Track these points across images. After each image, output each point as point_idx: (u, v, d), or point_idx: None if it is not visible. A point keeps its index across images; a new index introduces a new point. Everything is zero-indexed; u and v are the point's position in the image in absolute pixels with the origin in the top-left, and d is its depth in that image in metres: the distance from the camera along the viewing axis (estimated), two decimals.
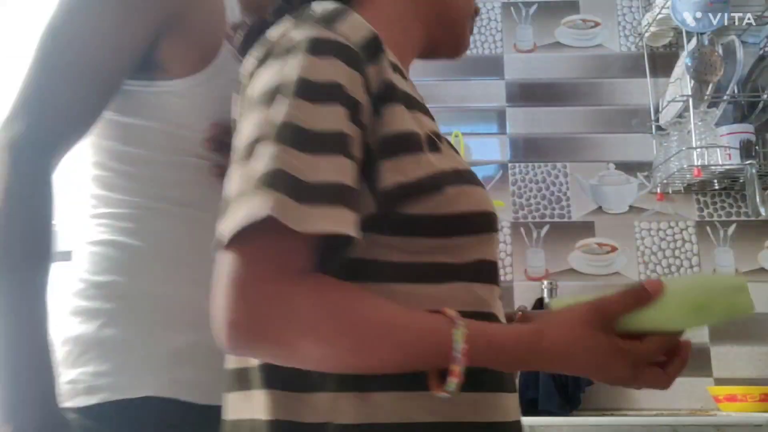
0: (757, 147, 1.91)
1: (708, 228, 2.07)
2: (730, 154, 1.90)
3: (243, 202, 0.54)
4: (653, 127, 2.13)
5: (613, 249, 2.06)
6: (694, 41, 1.97)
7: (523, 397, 1.58)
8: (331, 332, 0.55)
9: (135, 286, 0.83)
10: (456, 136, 2.11)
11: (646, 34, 2.16)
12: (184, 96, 0.83)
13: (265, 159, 0.55)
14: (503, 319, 0.69)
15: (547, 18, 2.24)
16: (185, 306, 0.82)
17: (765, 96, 1.95)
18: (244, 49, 0.72)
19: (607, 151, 2.14)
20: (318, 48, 0.60)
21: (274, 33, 0.64)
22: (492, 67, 2.21)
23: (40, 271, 0.79)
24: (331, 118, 0.58)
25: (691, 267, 2.05)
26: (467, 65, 2.19)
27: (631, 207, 2.10)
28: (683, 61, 1.98)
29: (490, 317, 0.65)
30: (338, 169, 0.56)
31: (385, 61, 0.63)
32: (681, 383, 1.98)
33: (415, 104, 0.66)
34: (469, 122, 2.18)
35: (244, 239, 0.53)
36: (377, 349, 0.56)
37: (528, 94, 2.17)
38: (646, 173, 2.12)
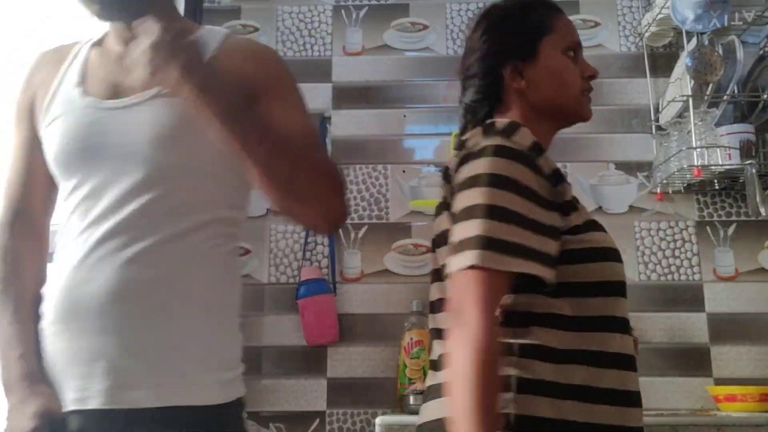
0: (757, 147, 1.91)
1: (708, 228, 2.07)
2: (730, 154, 1.90)
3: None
4: (653, 127, 2.13)
5: None
6: (694, 41, 1.97)
7: None
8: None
9: None
10: (456, 136, 2.11)
11: (646, 34, 2.16)
12: None
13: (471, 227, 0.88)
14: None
15: None
16: None
17: (765, 96, 1.95)
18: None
19: (607, 151, 2.14)
20: (500, 152, 0.92)
21: (470, 142, 0.97)
22: None
23: None
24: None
25: (691, 267, 2.05)
26: None
27: (631, 207, 2.10)
28: (683, 61, 1.97)
29: None
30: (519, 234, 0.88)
31: (550, 160, 0.96)
32: (681, 383, 1.98)
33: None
34: None
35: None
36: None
37: None
38: (646, 173, 2.12)
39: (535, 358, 0.88)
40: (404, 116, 2.18)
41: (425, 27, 2.26)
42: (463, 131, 1.10)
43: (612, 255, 0.97)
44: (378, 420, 1.59)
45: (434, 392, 0.95)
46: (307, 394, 2.01)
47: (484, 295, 0.83)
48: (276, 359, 2.03)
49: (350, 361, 2.01)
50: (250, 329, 2.05)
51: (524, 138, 0.94)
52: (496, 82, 1.07)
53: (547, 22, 1.09)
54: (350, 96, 2.21)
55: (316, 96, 2.20)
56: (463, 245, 0.87)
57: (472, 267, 0.84)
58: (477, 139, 0.96)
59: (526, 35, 1.08)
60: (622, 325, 0.96)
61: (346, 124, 2.18)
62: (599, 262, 0.95)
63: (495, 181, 0.89)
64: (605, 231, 1.02)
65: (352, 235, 2.11)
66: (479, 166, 0.91)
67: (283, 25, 2.29)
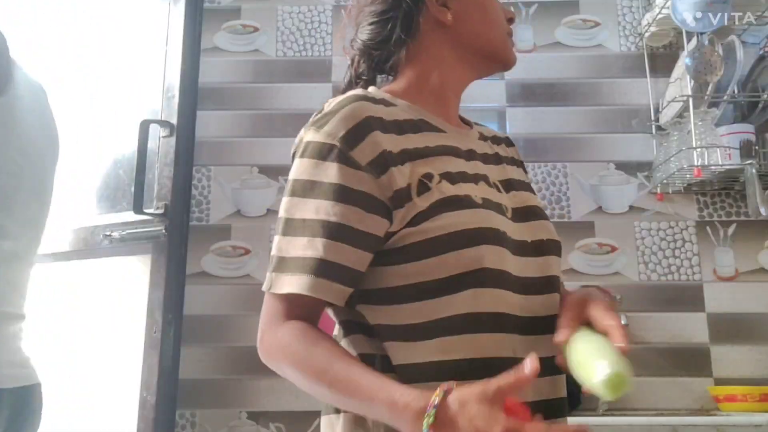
0: (757, 147, 1.91)
1: (708, 228, 2.07)
2: (730, 154, 1.90)
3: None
4: (653, 127, 2.13)
5: (613, 249, 2.07)
6: (694, 41, 1.97)
7: None
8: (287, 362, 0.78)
9: None
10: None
11: (646, 34, 2.16)
12: None
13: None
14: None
15: (547, 18, 2.24)
16: None
17: (765, 96, 1.95)
18: None
19: (607, 151, 2.14)
20: (306, 152, 0.82)
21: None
22: None
23: None
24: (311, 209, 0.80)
25: (691, 267, 2.05)
26: None
27: (631, 207, 2.10)
28: (683, 61, 1.97)
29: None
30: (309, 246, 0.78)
31: (376, 137, 0.80)
32: (681, 383, 1.98)
33: (420, 153, 0.82)
34: None
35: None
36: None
37: (528, 94, 2.18)
38: (646, 173, 2.12)
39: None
40: None
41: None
42: (347, 87, 0.95)
43: (467, 238, 0.78)
44: None
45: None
46: (306, 394, 2.00)
47: (266, 319, 0.80)
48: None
49: None
50: (250, 329, 2.05)
51: (338, 125, 0.79)
52: (410, 14, 0.90)
53: None
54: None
55: (316, 96, 2.20)
56: (269, 265, 0.82)
57: (267, 290, 0.80)
58: (302, 130, 0.85)
59: None
60: (493, 322, 0.78)
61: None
62: (448, 252, 0.77)
63: (294, 188, 0.81)
64: (483, 204, 0.81)
65: None
66: (291, 170, 0.84)
67: (283, 25, 2.29)
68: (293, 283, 0.77)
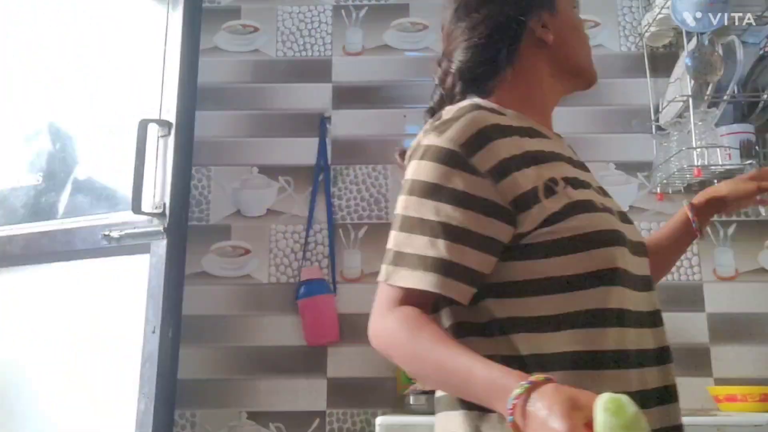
0: (757, 147, 1.91)
1: (708, 228, 2.07)
2: (730, 154, 1.90)
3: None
4: (653, 127, 2.13)
5: None
6: (694, 41, 1.97)
7: None
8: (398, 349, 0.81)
9: None
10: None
11: (646, 34, 2.16)
12: None
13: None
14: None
15: None
16: None
17: (765, 96, 1.95)
18: None
19: (607, 151, 2.14)
20: (426, 155, 0.85)
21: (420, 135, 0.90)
22: None
23: None
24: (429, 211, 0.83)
25: (691, 267, 2.05)
26: None
27: (631, 207, 2.10)
28: (683, 61, 1.97)
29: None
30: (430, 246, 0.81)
31: (496, 144, 0.84)
32: (681, 383, 1.97)
33: (542, 158, 0.87)
34: None
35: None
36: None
37: None
38: (646, 173, 2.12)
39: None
40: (404, 116, 2.18)
41: (425, 27, 2.26)
42: (438, 106, 1.00)
43: (601, 239, 0.83)
44: (378, 420, 1.59)
45: (440, 404, 0.90)
46: (307, 394, 2.01)
47: (378, 308, 0.84)
48: (276, 359, 2.03)
49: (350, 361, 2.01)
50: (249, 329, 2.05)
51: (459, 132, 0.84)
52: (515, 35, 0.96)
53: None
54: (350, 96, 2.21)
55: (316, 96, 2.20)
56: (384, 257, 0.86)
57: (384, 281, 0.84)
58: (419, 135, 0.90)
59: None
60: (619, 318, 0.83)
61: (346, 124, 2.18)
62: (581, 252, 0.82)
63: (413, 188, 0.84)
64: (603, 209, 0.87)
65: (352, 235, 2.11)
66: (408, 170, 0.87)
67: (283, 25, 2.29)
68: (417, 279, 0.80)
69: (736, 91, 1.99)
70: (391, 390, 1.96)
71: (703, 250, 2.06)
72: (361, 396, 1.99)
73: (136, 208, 1.91)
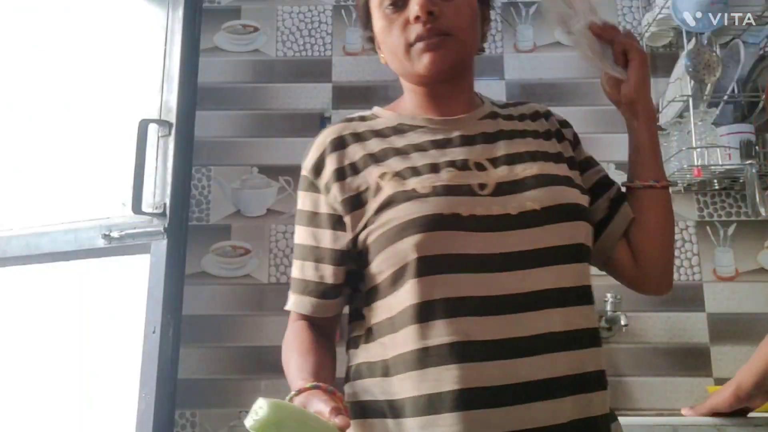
0: (757, 147, 1.91)
1: (708, 228, 2.07)
2: (730, 154, 1.90)
3: None
4: None
5: None
6: (694, 41, 1.97)
7: None
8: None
9: None
10: None
11: (646, 34, 2.16)
12: None
13: None
14: None
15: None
16: None
17: (765, 96, 1.95)
18: None
19: (607, 151, 2.13)
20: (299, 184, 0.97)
21: None
22: (492, 67, 2.21)
23: None
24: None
25: (691, 267, 2.05)
26: None
27: None
28: (683, 61, 1.97)
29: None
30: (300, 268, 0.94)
31: (335, 156, 0.93)
32: (681, 383, 1.98)
33: (382, 156, 0.90)
34: None
35: None
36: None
37: (528, 94, 2.17)
38: None
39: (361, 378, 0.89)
40: None
41: None
42: None
43: (403, 230, 0.80)
44: None
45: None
46: None
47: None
48: (276, 359, 2.01)
49: None
50: (249, 329, 2.05)
51: (308, 158, 0.96)
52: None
53: None
54: (350, 96, 2.21)
55: (316, 96, 2.20)
56: None
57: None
58: None
59: (359, 3, 1.00)
60: (445, 308, 0.78)
61: None
62: (387, 247, 0.81)
63: (295, 218, 0.96)
64: (418, 195, 0.82)
65: None
66: None
67: (283, 25, 2.29)
68: (289, 302, 0.95)
69: (736, 91, 1.99)
70: None
71: (703, 251, 2.06)
72: None
73: (137, 208, 1.91)
